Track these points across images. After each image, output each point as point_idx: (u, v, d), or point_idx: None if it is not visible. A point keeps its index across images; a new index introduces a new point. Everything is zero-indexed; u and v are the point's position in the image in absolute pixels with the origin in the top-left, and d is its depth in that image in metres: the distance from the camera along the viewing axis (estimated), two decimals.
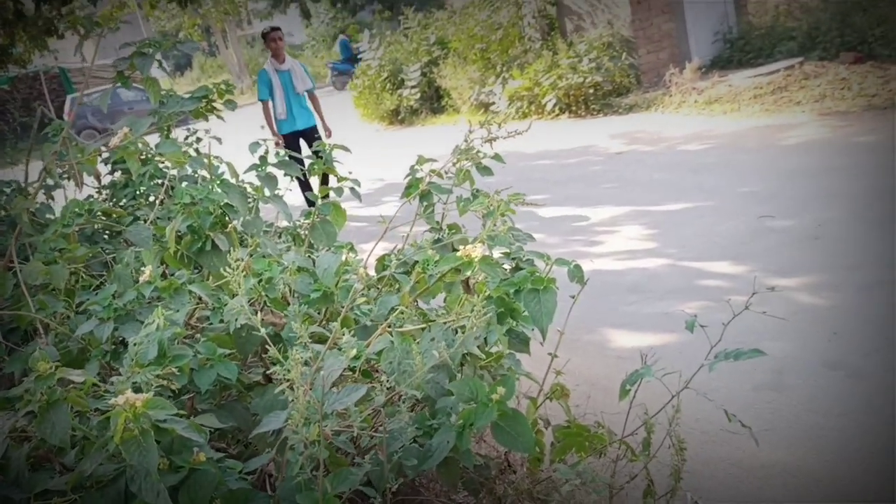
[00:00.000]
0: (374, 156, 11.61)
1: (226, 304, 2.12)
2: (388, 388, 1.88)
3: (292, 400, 1.57)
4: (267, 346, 1.79)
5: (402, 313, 2.14)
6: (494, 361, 2.29)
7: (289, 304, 2.31)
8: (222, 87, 3.07)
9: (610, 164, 8.86)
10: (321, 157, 3.09)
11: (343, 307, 2.14)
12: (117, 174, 4.19)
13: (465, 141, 2.89)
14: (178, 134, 3.87)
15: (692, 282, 5.00)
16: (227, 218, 2.50)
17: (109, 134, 2.84)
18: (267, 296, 2.24)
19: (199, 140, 4.27)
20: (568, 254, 2.38)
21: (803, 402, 3.40)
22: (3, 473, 1.59)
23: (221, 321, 2.22)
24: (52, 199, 3.78)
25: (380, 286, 2.60)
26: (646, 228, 6.31)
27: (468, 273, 2.11)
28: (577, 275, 2.25)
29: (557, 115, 12.13)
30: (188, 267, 2.50)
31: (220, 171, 2.93)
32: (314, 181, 7.08)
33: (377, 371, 2.09)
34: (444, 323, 2.06)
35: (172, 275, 2.44)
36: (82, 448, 1.61)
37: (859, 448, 3.03)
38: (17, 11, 8.24)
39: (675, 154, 8.63)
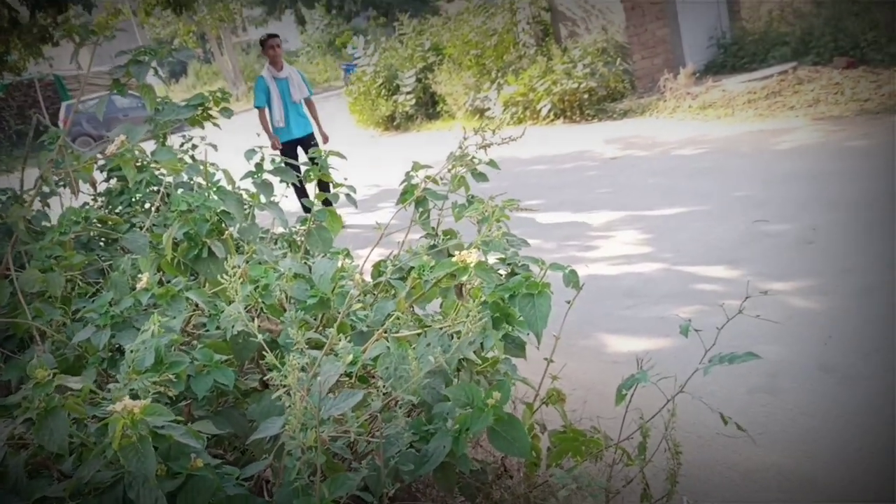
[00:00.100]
0: (369, 162, 11.62)
1: (222, 311, 2.13)
2: (384, 394, 1.89)
3: (289, 405, 1.58)
4: (264, 353, 1.80)
5: (399, 319, 2.15)
6: (490, 366, 2.30)
7: (285, 310, 2.32)
8: (218, 95, 3.08)
9: (605, 170, 8.89)
10: (317, 164, 3.10)
11: (339, 313, 2.15)
12: (113, 181, 4.20)
13: (460, 147, 2.91)
14: (174, 140, 3.88)
15: (687, 286, 5.02)
16: (223, 225, 2.51)
17: (105, 141, 2.84)
18: (263, 302, 2.25)
19: (194, 147, 4.28)
20: (563, 259, 2.40)
21: (798, 405, 3.41)
22: (1, 481, 1.59)
23: (218, 328, 2.22)
24: (49, 206, 3.78)
25: (376, 292, 2.60)
26: (641, 233, 6.33)
27: (463, 278, 2.12)
28: (572, 280, 2.26)
29: (552, 120, 12.17)
30: (184, 274, 2.51)
31: (216, 178, 2.94)
32: (310, 188, 7.08)
33: (374, 376, 2.10)
34: (440, 328, 2.07)
35: (169, 282, 2.45)
36: (80, 455, 1.62)
37: (857, 450, 3.04)
38: (11, 19, 8.25)
39: (670, 159, 8.66)
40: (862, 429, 3.17)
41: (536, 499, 2.39)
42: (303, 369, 1.66)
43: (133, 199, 3.90)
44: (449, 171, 2.94)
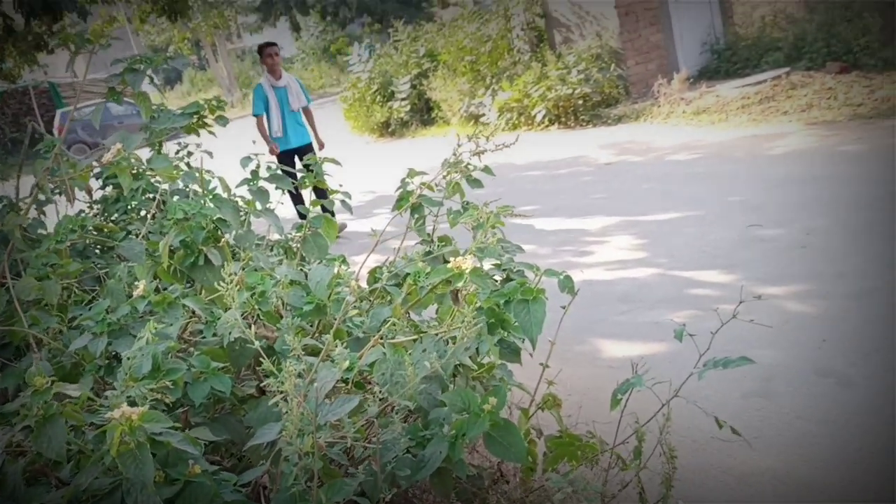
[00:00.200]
0: (364, 168, 11.64)
1: (219, 318, 2.14)
2: (380, 400, 1.90)
3: (286, 412, 1.59)
4: (260, 359, 1.80)
5: (394, 325, 2.15)
6: (486, 372, 2.31)
7: (282, 316, 2.32)
8: (214, 103, 3.09)
9: (599, 175, 8.91)
10: (312, 171, 3.11)
11: (336, 319, 2.16)
12: (108, 189, 4.19)
13: (454, 154, 2.92)
14: (169, 148, 3.89)
15: (682, 291, 5.03)
16: (219, 232, 2.52)
17: (101, 149, 2.85)
18: (260, 309, 2.26)
19: (189, 154, 4.29)
20: (559, 264, 2.41)
21: (793, 409, 3.43)
22: (0, 488, 1.60)
23: (215, 335, 2.23)
24: (44, 214, 3.78)
25: (372, 298, 2.61)
26: (636, 238, 6.35)
27: (458, 284, 2.13)
28: (567, 285, 2.27)
29: (547, 126, 12.20)
30: (181, 281, 2.52)
31: (211, 185, 2.94)
32: (306, 194, 7.06)
33: (370, 382, 2.11)
34: (436, 334, 2.08)
35: (165, 289, 2.45)
36: (78, 462, 1.63)
37: (854, 452, 3.05)
38: (6, 27, 8.26)
39: (664, 164, 8.69)
40: (859, 431, 3.18)
41: (533, 503, 2.40)
42: (299, 375, 1.66)
43: (129, 207, 3.90)
44: (444, 177, 2.96)
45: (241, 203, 2.92)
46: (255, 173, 2.97)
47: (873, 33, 10.52)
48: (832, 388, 3.54)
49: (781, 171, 7.31)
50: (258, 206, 2.91)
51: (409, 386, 1.87)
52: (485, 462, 2.73)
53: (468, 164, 2.92)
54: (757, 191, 6.82)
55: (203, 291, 2.53)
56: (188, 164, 3.86)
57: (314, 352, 2.07)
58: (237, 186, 2.95)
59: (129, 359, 1.81)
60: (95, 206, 4.13)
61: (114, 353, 2.24)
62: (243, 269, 2.41)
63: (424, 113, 15.79)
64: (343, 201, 3.12)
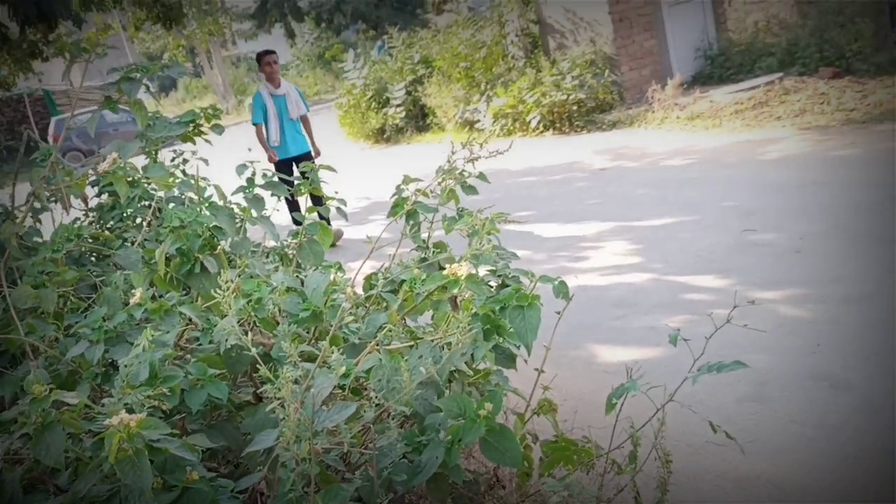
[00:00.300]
0: (360, 174, 11.66)
1: (215, 325, 2.14)
2: (377, 405, 1.91)
3: (283, 418, 1.60)
4: (257, 366, 1.81)
5: (391, 331, 2.17)
6: (482, 378, 2.32)
7: (278, 323, 2.33)
8: (210, 111, 3.10)
9: (594, 181, 8.94)
10: (307, 178, 3.12)
11: (332, 326, 2.17)
12: (104, 197, 4.20)
13: (449, 161, 2.93)
14: (164, 155, 3.89)
15: (677, 296, 5.05)
16: (215, 240, 2.53)
17: (96, 156, 2.86)
18: (256, 316, 2.27)
19: (185, 161, 4.29)
20: (554, 269, 2.43)
21: (787, 413, 3.44)
22: None
23: (211, 342, 2.23)
24: (40, 222, 3.78)
25: (368, 305, 2.62)
26: (630, 243, 6.37)
27: (454, 291, 2.14)
28: (561, 291, 2.28)
29: (542, 132, 12.23)
30: (177, 289, 2.52)
31: (207, 193, 2.95)
32: (302, 202, 7.04)
33: (366, 389, 2.11)
34: (432, 340, 2.09)
35: (161, 297, 2.46)
36: (75, 469, 1.63)
37: (848, 456, 3.06)
38: (1, 35, 8.27)
39: (659, 169, 8.72)
40: (854, 434, 3.20)
41: None
42: (296, 382, 1.67)
43: (124, 214, 3.90)
44: (439, 184, 2.97)
45: (236, 209, 2.93)
46: (250, 181, 2.98)
47: (865, 38, 10.59)
48: (826, 393, 3.55)
49: (775, 176, 7.34)
50: (254, 213, 2.92)
51: (405, 392, 1.88)
52: (481, 467, 2.74)
53: (463, 170, 2.93)
54: (751, 196, 6.85)
55: (199, 299, 2.54)
56: (184, 172, 3.86)
57: (311, 358, 2.08)
58: (233, 194, 2.96)
59: (126, 366, 1.81)
60: (91, 214, 4.13)
61: (110, 361, 2.25)
62: (239, 276, 2.42)
63: (419, 119, 15.81)
64: (338, 208, 3.14)
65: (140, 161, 3.24)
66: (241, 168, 3.04)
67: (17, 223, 3.03)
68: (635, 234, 6.55)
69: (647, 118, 11.33)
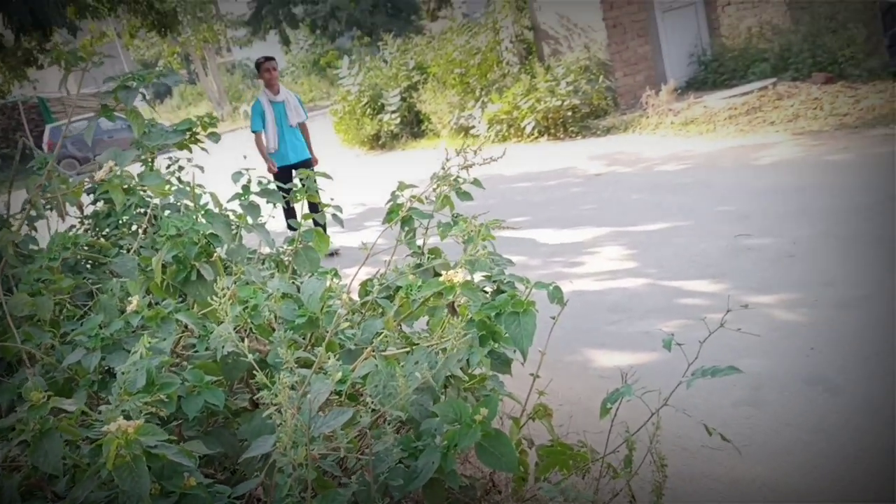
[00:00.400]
0: (355, 181, 11.68)
1: (212, 332, 2.15)
2: (373, 411, 1.91)
3: (280, 423, 1.61)
4: (253, 373, 1.82)
5: (386, 337, 2.18)
6: (478, 383, 2.33)
7: (274, 330, 2.34)
8: (206, 120, 3.11)
9: (589, 186, 8.96)
10: (304, 186, 3.14)
11: (328, 332, 2.18)
12: (100, 204, 4.20)
13: (443, 168, 2.95)
14: (160, 161, 3.91)
15: (672, 301, 5.07)
16: (211, 247, 2.54)
17: (92, 164, 2.86)
18: (252, 322, 2.27)
19: (181, 168, 4.30)
20: (549, 275, 2.44)
21: (782, 416, 3.46)
22: None
23: (208, 348, 2.24)
24: (35, 229, 3.79)
25: (363, 311, 2.63)
26: (625, 248, 6.39)
27: (451, 297, 2.15)
28: (556, 296, 2.30)
29: (536, 137, 12.26)
30: (173, 296, 2.53)
31: (203, 200, 2.96)
32: (299, 209, 7.02)
33: (362, 394, 2.12)
34: (428, 346, 2.10)
35: (157, 304, 2.47)
36: (73, 476, 1.64)
37: (842, 460, 3.08)
38: None
39: (653, 175, 8.75)
40: (848, 438, 3.21)
41: None
42: (293, 388, 1.68)
43: (120, 222, 3.91)
44: (434, 190, 2.98)
45: (232, 217, 2.94)
46: (246, 188, 3.00)
47: (858, 44, 10.65)
48: (820, 396, 3.57)
49: (769, 181, 7.37)
50: (249, 220, 2.93)
51: (401, 397, 1.89)
52: (477, 472, 2.75)
53: (458, 176, 2.95)
54: (745, 200, 6.88)
55: (196, 306, 2.55)
56: (179, 179, 3.87)
57: (307, 364, 2.09)
58: (229, 201, 2.97)
59: (123, 373, 1.82)
60: (87, 222, 4.14)
61: (107, 368, 2.25)
62: (235, 283, 2.43)
63: (414, 125, 15.84)
64: (334, 215, 3.15)
65: (135, 168, 3.25)
66: (236, 176, 3.06)
67: (13, 231, 3.04)
68: (630, 240, 6.57)
69: (642, 123, 11.36)
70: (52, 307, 2.59)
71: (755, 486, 3.02)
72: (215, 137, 3.18)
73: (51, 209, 3.60)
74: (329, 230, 6.56)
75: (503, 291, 2.40)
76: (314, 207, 3.19)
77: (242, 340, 1.96)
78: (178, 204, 3.30)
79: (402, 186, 3.02)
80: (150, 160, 3.35)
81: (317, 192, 3.21)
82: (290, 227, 3.04)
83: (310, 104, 31.18)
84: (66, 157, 21.42)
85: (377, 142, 16.22)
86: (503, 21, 14.07)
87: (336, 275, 2.66)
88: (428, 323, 2.40)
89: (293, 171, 7.86)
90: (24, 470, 1.67)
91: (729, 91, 11.48)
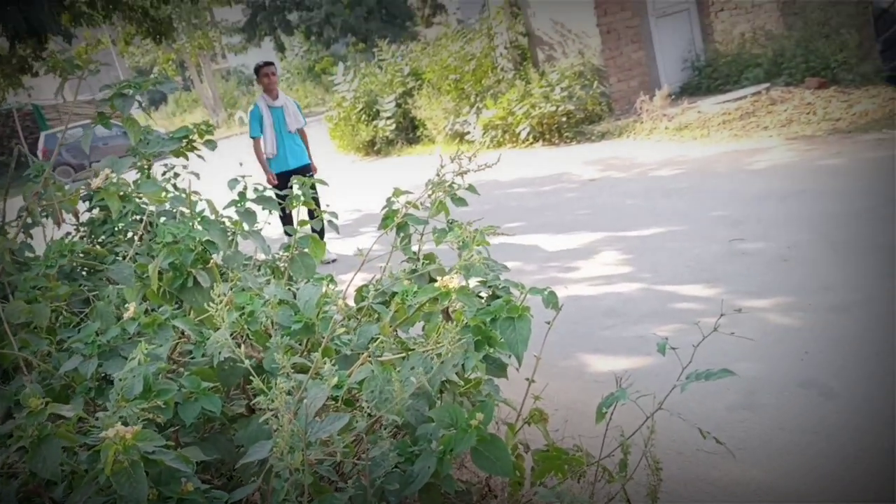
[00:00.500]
0: (350, 187, 11.69)
1: (208, 338, 2.16)
2: (369, 416, 1.92)
3: (276, 429, 1.61)
4: (250, 378, 1.83)
5: (382, 343, 2.18)
6: (473, 388, 2.34)
7: (270, 336, 2.35)
8: (203, 127, 3.12)
9: (584, 191, 8.99)
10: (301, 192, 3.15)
11: (324, 338, 2.19)
12: (95, 211, 4.20)
13: (438, 174, 2.96)
14: (156, 168, 3.91)
15: (666, 305, 5.08)
16: (207, 254, 2.54)
17: (87, 171, 2.87)
18: (249, 329, 2.28)
19: (176, 175, 4.31)
20: (545, 280, 2.45)
21: (776, 420, 3.47)
22: None
23: (204, 355, 2.25)
24: (31, 236, 3.79)
25: (359, 316, 2.64)
26: (620, 253, 6.41)
27: (446, 303, 2.16)
28: (551, 301, 2.31)
29: (531, 143, 12.28)
30: (170, 303, 2.54)
31: (199, 207, 2.97)
32: (295, 215, 7.01)
33: (359, 399, 2.13)
34: (423, 351, 2.11)
35: (154, 310, 2.47)
36: (71, 482, 1.64)
37: (837, 463, 3.09)
38: None
39: (648, 180, 8.78)
40: (842, 441, 3.23)
41: None
42: (289, 393, 1.69)
43: (115, 229, 3.91)
44: (429, 196, 3.00)
45: (228, 223, 2.95)
46: (242, 195, 3.01)
47: (850, 49, 10.70)
48: (815, 399, 3.59)
49: (763, 186, 7.40)
50: (245, 227, 2.94)
51: (397, 402, 1.90)
52: (473, 477, 2.76)
53: (453, 182, 2.96)
54: (739, 205, 6.91)
55: (192, 312, 2.55)
56: (174, 186, 3.88)
57: (303, 370, 2.10)
58: (224, 208, 2.98)
59: (120, 380, 1.83)
60: (82, 229, 4.14)
61: (103, 375, 2.26)
62: (232, 289, 2.44)
63: (409, 131, 15.85)
64: (330, 221, 3.16)
65: (131, 175, 3.26)
66: (232, 182, 3.07)
67: (9, 238, 3.04)
68: (625, 244, 6.59)
69: (636, 129, 11.40)
70: (48, 314, 2.60)
71: (750, 489, 3.03)
72: (212, 145, 3.19)
73: (47, 216, 3.61)
74: (325, 236, 6.56)
75: (498, 297, 2.41)
76: (310, 213, 3.20)
77: (239, 346, 1.97)
78: (175, 211, 3.31)
79: (397, 192, 3.03)
80: (146, 167, 3.36)
81: (314, 199, 3.22)
82: (287, 234, 3.06)
83: (305, 111, 31.22)
84: (61, 164, 21.41)
85: (372, 148, 16.24)
86: (498, 27, 14.11)
87: (332, 281, 2.67)
88: (423, 328, 2.41)
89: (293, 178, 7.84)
90: (22, 476, 1.67)
91: (723, 96, 11.52)
